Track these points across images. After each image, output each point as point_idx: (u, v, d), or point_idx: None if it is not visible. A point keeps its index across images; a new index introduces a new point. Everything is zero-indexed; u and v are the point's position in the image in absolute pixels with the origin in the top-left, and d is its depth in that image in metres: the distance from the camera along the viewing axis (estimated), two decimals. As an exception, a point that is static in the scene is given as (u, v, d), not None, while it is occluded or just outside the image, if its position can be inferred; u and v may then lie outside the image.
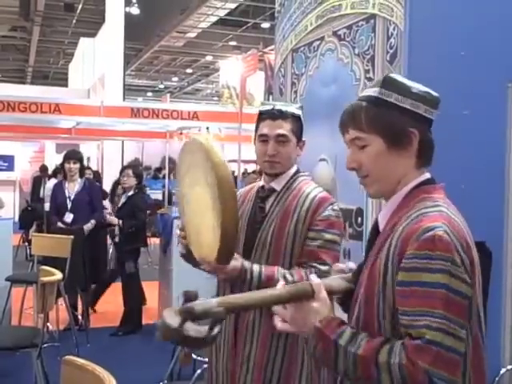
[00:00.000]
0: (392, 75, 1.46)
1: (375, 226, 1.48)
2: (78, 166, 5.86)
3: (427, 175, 1.44)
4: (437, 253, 1.23)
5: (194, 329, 1.33)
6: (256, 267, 2.04)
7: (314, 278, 1.39)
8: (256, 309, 1.96)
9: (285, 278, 1.98)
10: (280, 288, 1.39)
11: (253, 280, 2.01)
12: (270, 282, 1.94)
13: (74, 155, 5.98)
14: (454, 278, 1.23)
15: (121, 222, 5.82)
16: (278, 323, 1.39)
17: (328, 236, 2.07)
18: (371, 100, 1.41)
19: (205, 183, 1.86)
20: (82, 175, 5.97)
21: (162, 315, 1.36)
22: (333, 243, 2.08)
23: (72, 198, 5.84)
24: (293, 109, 2.21)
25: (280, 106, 2.22)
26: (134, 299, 5.93)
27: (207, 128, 13.69)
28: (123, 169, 6.26)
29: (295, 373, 2.06)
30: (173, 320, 1.32)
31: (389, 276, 1.31)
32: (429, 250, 1.23)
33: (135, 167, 6.37)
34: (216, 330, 1.34)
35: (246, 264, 2.03)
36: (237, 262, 2.00)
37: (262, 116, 2.20)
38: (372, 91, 1.43)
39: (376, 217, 1.51)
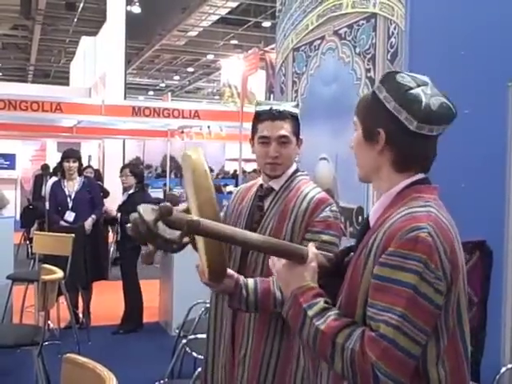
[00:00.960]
0: (396, 73, 1.44)
1: (366, 221, 1.50)
2: (76, 164, 5.88)
3: (419, 175, 1.42)
4: (414, 254, 1.24)
5: (165, 229, 1.36)
6: (251, 283, 1.97)
7: (312, 248, 1.48)
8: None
9: (280, 289, 1.94)
10: (271, 239, 1.50)
11: (249, 297, 1.95)
12: (267, 296, 1.94)
13: (72, 154, 5.99)
14: (424, 281, 1.24)
15: (119, 214, 5.95)
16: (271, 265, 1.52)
17: (325, 237, 2.04)
18: (372, 92, 1.46)
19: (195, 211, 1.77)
20: (80, 174, 5.98)
21: (138, 209, 1.39)
22: (330, 244, 2.04)
23: (73, 196, 5.86)
24: (290, 108, 2.19)
25: (277, 105, 2.19)
26: (134, 298, 5.95)
27: (208, 127, 13.72)
28: (122, 168, 6.28)
29: (291, 371, 2.05)
30: (148, 216, 1.35)
31: (367, 271, 1.33)
32: (408, 250, 1.25)
33: (134, 166, 6.39)
34: (186, 239, 1.38)
35: (241, 281, 1.96)
36: (231, 280, 1.93)
37: (260, 117, 2.17)
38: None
39: (367, 213, 1.55)
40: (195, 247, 2.01)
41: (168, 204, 1.39)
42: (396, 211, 1.35)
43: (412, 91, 1.38)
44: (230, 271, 1.93)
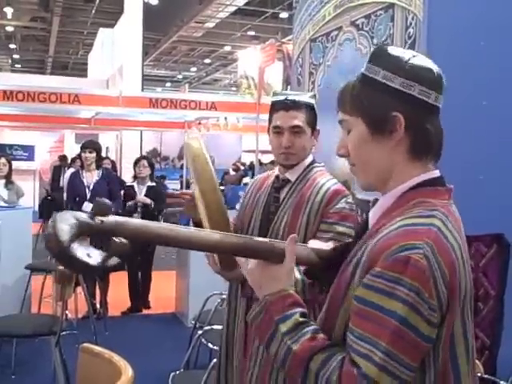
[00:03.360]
0: (385, 47, 1.24)
1: (366, 222, 1.29)
2: (93, 155, 5.88)
3: (434, 173, 1.21)
4: (405, 279, 1.04)
5: (84, 250, 1.12)
6: None
7: (292, 246, 1.25)
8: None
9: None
10: (234, 236, 1.27)
11: None
12: None
13: (89, 145, 6.00)
14: (414, 312, 1.04)
15: (152, 202, 6.27)
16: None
17: (340, 229, 2.03)
18: (359, 77, 1.22)
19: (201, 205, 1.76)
20: (98, 166, 5.99)
21: (55, 218, 1.12)
22: (345, 236, 2.01)
23: (91, 187, 5.88)
24: (306, 98, 2.18)
25: (293, 96, 2.18)
26: (148, 279, 6.41)
27: (225, 118, 13.72)
28: (138, 160, 6.57)
29: None
30: (64, 230, 1.10)
31: (352, 286, 1.14)
32: (397, 273, 1.04)
33: (148, 158, 6.82)
34: (113, 261, 1.16)
35: None
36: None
37: (276, 107, 2.17)
38: (363, 67, 1.23)
39: (367, 212, 1.34)
40: None
41: (87, 219, 1.15)
42: (394, 219, 1.13)
43: (413, 61, 1.18)
44: None
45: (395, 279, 1.04)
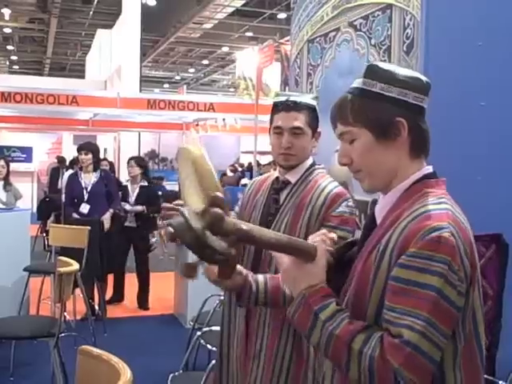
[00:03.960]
0: (376, 63, 1.38)
1: (372, 218, 1.42)
2: (89, 156, 5.88)
3: (429, 168, 1.37)
4: (439, 255, 1.18)
5: (215, 239, 1.21)
6: (261, 279, 1.89)
7: (321, 245, 1.39)
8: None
9: None
10: (286, 236, 1.38)
11: (259, 292, 1.86)
12: (277, 292, 1.86)
13: (85, 146, 6.01)
14: (448, 284, 1.18)
15: (144, 207, 6.37)
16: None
17: (340, 233, 1.98)
18: (355, 91, 1.36)
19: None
20: (96, 167, 5.99)
21: (182, 212, 1.23)
22: (344, 240, 2.00)
23: (89, 189, 5.89)
24: (307, 99, 2.17)
25: (294, 97, 2.18)
26: (146, 281, 6.55)
27: (223, 119, 13.72)
28: (128, 160, 6.75)
29: (303, 364, 2.04)
30: (194, 221, 1.20)
31: (381, 271, 1.27)
32: (431, 251, 1.18)
33: (138, 158, 7.12)
34: (233, 251, 1.24)
35: (250, 277, 1.88)
36: (240, 276, 1.84)
37: (277, 108, 2.17)
38: (357, 82, 1.37)
39: (371, 209, 1.46)
40: None
41: (217, 210, 1.24)
42: (409, 209, 1.28)
43: (402, 72, 1.35)
44: (238, 267, 1.85)
45: (429, 256, 1.18)
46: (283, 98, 2.17)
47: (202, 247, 1.21)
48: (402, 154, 1.35)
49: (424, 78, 1.37)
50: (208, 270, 1.80)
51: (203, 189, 1.62)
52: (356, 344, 1.21)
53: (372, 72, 1.35)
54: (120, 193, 6.41)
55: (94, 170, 5.95)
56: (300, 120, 2.12)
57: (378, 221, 1.38)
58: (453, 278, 1.19)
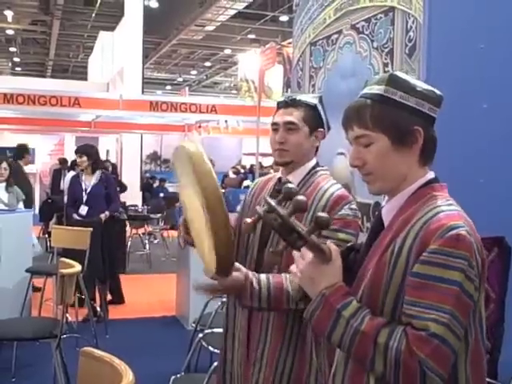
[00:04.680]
0: (397, 73, 1.46)
1: (379, 221, 1.48)
2: (84, 159, 5.93)
3: (432, 174, 1.45)
4: (458, 251, 1.26)
5: (299, 224, 1.34)
6: (263, 277, 1.88)
7: (332, 245, 1.43)
8: None
9: (292, 281, 1.87)
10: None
11: (261, 290, 1.85)
12: (280, 291, 1.86)
13: (80, 149, 6.08)
14: (467, 279, 1.26)
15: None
16: (292, 267, 1.45)
17: (342, 236, 1.98)
18: (376, 98, 1.42)
19: (198, 204, 1.69)
20: (95, 169, 6.00)
21: (267, 200, 1.37)
22: (346, 243, 1.92)
23: (88, 190, 5.93)
24: (307, 98, 2.17)
25: (295, 95, 2.18)
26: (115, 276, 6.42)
27: (226, 121, 13.72)
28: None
29: (305, 371, 2.02)
30: (282, 210, 1.33)
31: (398, 269, 1.32)
32: (451, 248, 1.26)
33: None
34: (314, 236, 1.36)
35: (251, 274, 1.87)
36: (239, 273, 1.83)
37: (277, 106, 2.18)
38: (377, 89, 1.43)
39: (378, 212, 1.51)
40: (192, 243, 1.99)
41: (302, 198, 1.37)
42: (421, 210, 1.36)
43: (419, 84, 1.44)
44: (237, 265, 1.85)
45: (449, 253, 1.26)
46: (285, 97, 2.19)
47: (289, 231, 1.33)
48: (412, 161, 1.42)
49: (437, 91, 1.45)
50: (207, 270, 1.79)
51: (202, 188, 1.63)
52: (381, 338, 1.27)
53: (394, 81, 1.42)
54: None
55: (93, 171, 5.97)
56: (295, 116, 2.11)
57: (386, 223, 1.44)
58: (471, 273, 1.27)
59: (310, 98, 2.18)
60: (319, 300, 1.36)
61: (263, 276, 1.88)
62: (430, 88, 1.44)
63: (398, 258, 1.33)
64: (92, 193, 5.91)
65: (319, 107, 2.17)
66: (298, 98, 2.16)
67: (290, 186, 1.45)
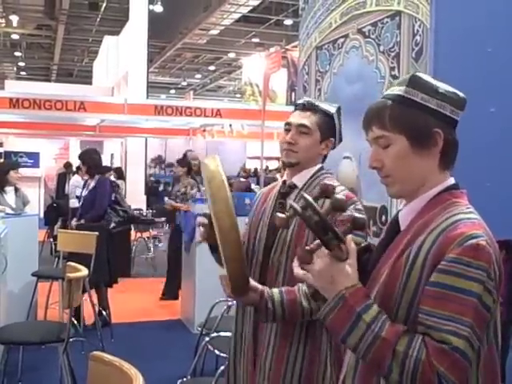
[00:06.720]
0: (419, 74, 1.43)
1: (395, 224, 1.45)
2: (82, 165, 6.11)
3: (452, 180, 1.42)
4: (478, 262, 1.23)
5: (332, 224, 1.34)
6: (277, 295, 1.89)
7: (352, 243, 1.38)
8: None
9: (305, 293, 1.90)
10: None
11: (276, 310, 1.88)
12: (294, 307, 1.89)
13: (79, 155, 6.34)
14: (485, 291, 1.23)
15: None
16: (296, 269, 1.41)
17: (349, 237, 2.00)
18: (397, 99, 1.39)
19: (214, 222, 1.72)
20: (92, 174, 6.02)
21: (306, 198, 1.33)
22: (356, 245, 1.98)
23: (82, 194, 6.09)
24: (326, 105, 2.18)
25: (315, 100, 2.20)
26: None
27: (230, 125, 13.74)
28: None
29: (317, 377, 1.99)
30: (319, 208, 1.32)
31: (413, 275, 1.29)
32: (470, 258, 1.23)
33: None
34: (348, 238, 1.37)
35: (266, 294, 1.89)
36: (255, 294, 1.86)
37: (295, 108, 2.20)
38: (398, 90, 1.40)
39: (395, 215, 1.49)
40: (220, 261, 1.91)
41: (342, 197, 1.38)
42: (440, 216, 1.32)
43: (442, 86, 1.40)
44: (253, 284, 1.86)
45: (468, 263, 1.22)
46: (303, 100, 2.21)
47: (325, 229, 1.30)
48: (432, 165, 1.39)
49: (461, 94, 1.41)
50: (226, 285, 1.80)
51: (214, 212, 1.66)
52: (400, 346, 1.23)
53: (415, 82, 1.39)
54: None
55: (92, 176, 6.01)
56: (309, 119, 2.12)
57: (403, 227, 1.41)
58: (490, 285, 1.24)
59: (329, 106, 2.19)
60: (337, 300, 1.31)
61: (277, 295, 1.90)
62: (452, 90, 1.41)
63: (413, 262, 1.30)
64: (85, 197, 6.02)
65: (335, 117, 2.18)
66: (317, 103, 2.17)
67: (327, 183, 1.44)
